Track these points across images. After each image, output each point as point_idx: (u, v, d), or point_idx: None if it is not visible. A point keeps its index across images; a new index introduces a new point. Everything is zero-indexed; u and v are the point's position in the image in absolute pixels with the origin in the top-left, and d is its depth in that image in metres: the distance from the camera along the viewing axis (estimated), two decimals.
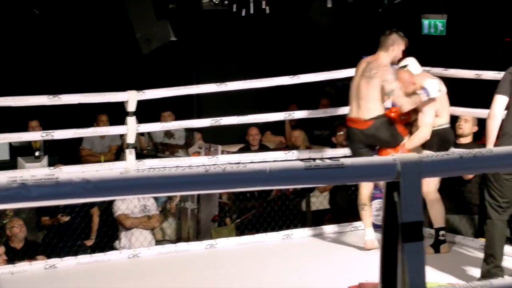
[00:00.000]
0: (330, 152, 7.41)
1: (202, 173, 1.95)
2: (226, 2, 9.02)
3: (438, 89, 6.24)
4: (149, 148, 9.52)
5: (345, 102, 7.53)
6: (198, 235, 7.60)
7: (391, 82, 6.27)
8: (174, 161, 7.17)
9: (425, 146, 6.31)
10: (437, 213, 6.30)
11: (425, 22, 9.50)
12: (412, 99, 6.27)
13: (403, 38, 6.49)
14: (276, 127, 10.13)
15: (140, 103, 6.56)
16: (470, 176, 7.01)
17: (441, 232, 6.31)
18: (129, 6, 9.28)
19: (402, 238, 1.91)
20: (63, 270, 6.03)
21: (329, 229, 7.23)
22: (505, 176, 5.21)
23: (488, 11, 10.46)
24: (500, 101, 5.25)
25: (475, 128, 7.19)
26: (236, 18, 9.39)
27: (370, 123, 6.30)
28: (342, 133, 7.92)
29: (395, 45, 6.43)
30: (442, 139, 6.34)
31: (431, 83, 6.24)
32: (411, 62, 6.56)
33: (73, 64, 10.58)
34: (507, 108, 5.25)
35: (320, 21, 10.14)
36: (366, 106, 6.29)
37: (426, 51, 10.04)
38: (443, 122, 6.41)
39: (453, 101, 6.72)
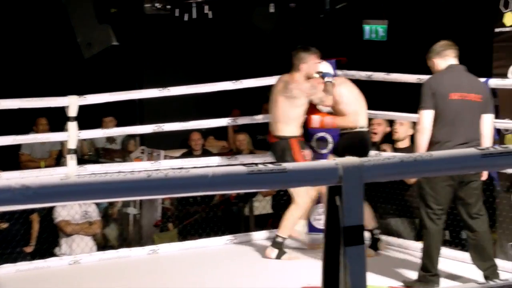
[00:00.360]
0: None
1: (144, 179, 1.94)
2: (168, 6, 8.98)
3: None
4: (91, 153, 9.42)
5: None
6: (141, 241, 7.55)
7: (318, 94, 6.42)
8: (116, 166, 7.13)
9: (344, 150, 6.33)
10: (366, 217, 6.38)
11: (366, 28, 9.57)
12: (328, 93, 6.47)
13: (311, 52, 6.47)
14: (219, 132, 10.12)
15: (82, 108, 6.50)
16: (413, 181, 7.09)
17: (375, 231, 6.53)
18: (70, 10, 9.18)
19: (343, 242, 1.93)
20: (2, 277, 5.94)
21: (272, 233, 7.25)
22: (440, 183, 5.32)
23: (428, 17, 10.62)
24: (426, 115, 5.40)
25: (411, 131, 7.26)
26: (178, 22, 9.36)
27: (274, 140, 6.48)
28: None
29: (304, 63, 6.42)
30: (360, 142, 6.50)
31: (322, 66, 6.56)
32: (323, 66, 6.63)
33: (13, 69, 10.43)
34: (434, 119, 5.39)
35: (263, 26, 10.16)
36: (279, 125, 6.42)
37: (368, 56, 10.14)
38: (361, 124, 6.57)
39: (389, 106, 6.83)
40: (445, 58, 5.55)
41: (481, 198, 5.53)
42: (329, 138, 7.22)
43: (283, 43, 11.34)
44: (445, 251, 5.86)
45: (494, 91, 6.20)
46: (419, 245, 6.57)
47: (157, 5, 8.88)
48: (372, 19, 9.42)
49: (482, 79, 6.09)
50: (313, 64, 6.45)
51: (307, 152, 6.67)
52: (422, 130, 5.40)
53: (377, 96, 6.76)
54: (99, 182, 1.93)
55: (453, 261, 6.10)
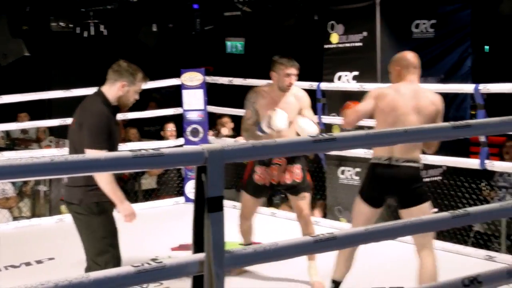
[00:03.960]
0: (157, 144, 7.37)
1: (49, 162, 1.88)
2: (71, 25, 8.78)
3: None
4: (8, 142, 9.08)
5: (168, 105, 7.52)
6: (50, 212, 7.33)
7: None
8: (28, 152, 6.92)
9: None
10: (343, 268, 4.18)
11: (228, 43, 9.64)
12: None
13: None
14: None
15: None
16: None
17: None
18: None
19: (208, 209, 1.94)
20: None
21: (156, 203, 7.23)
22: None
23: (276, 35, 10.78)
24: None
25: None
26: (79, 38, 9.16)
27: None
28: (169, 129, 7.90)
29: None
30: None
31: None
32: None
33: None
34: None
35: (147, 42, 10.05)
36: None
37: (229, 66, 10.19)
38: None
39: None
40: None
41: (96, 244, 3.68)
42: (200, 129, 7.22)
43: (164, 55, 11.27)
44: None
45: (324, 92, 6.36)
46: (269, 210, 6.73)
47: (62, 23, 8.65)
48: (232, 36, 9.48)
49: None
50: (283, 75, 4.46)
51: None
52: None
53: (237, 98, 6.80)
54: (13, 165, 1.85)
55: None
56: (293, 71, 4.45)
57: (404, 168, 3.70)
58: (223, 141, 7.22)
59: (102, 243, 3.64)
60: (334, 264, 3.93)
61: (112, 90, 3.73)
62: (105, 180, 3.53)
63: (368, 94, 3.92)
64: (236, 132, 7.61)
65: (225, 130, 8.04)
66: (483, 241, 5.84)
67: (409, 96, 3.79)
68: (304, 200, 4.57)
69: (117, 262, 3.64)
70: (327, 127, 6.31)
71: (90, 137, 3.52)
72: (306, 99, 4.59)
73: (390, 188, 3.76)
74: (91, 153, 3.41)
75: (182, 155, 2.01)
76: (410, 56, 3.90)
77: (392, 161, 3.71)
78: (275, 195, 7.36)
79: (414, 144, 3.72)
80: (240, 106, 6.95)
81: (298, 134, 4.44)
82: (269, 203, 7.37)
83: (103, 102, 3.68)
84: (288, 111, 4.38)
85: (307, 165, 4.68)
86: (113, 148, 3.57)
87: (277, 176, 4.52)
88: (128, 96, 3.75)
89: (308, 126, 4.36)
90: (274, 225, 6.19)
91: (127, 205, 3.63)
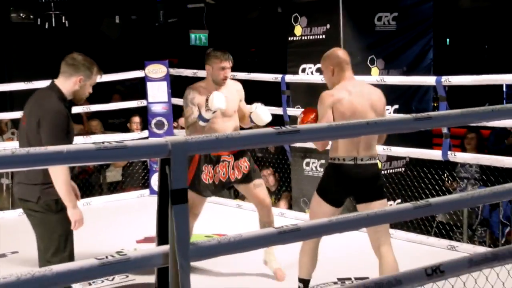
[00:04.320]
0: (121, 137, 7.30)
1: (9, 155, 1.84)
2: (31, 16, 8.65)
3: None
4: None
5: (132, 97, 7.45)
6: (12, 205, 7.23)
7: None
8: None
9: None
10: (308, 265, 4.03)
11: (192, 36, 9.60)
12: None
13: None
14: (75, 118, 9.82)
15: None
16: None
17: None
18: None
19: (171, 201, 1.93)
20: None
21: (121, 196, 7.18)
22: None
23: (240, 28, 10.77)
24: None
25: None
26: (40, 29, 9.03)
27: None
28: (136, 121, 7.85)
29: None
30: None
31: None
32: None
33: None
34: None
35: (110, 33, 9.95)
36: None
37: (194, 58, 10.13)
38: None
39: None
40: None
41: (53, 243, 3.60)
42: (165, 121, 7.19)
43: (128, 47, 11.16)
44: None
45: (288, 84, 6.38)
46: (234, 202, 6.73)
47: (22, 14, 8.52)
48: (196, 29, 9.44)
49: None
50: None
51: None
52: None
53: None
54: None
55: None
56: (227, 64, 4.45)
57: (368, 166, 3.72)
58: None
59: (58, 241, 3.57)
60: (299, 263, 3.89)
61: (68, 84, 3.61)
62: (61, 181, 3.45)
63: (322, 103, 3.72)
64: None
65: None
66: (446, 231, 5.93)
67: (361, 95, 3.75)
68: (261, 187, 4.55)
69: (70, 260, 3.54)
70: (292, 119, 6.34)
71: (51, 136, 3.43)
72: (242, 92, 4.64)
73: (356, 187, 3.73)
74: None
75: (146, 147, 1.99)
76: (341, 53, 3.84)
77: (358, 161, 3.70)
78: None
79: (373, 141, 3.75)
80: None
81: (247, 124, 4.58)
82: (235, 195, 7.37)
83: (59, 98, 3.57)
84: (229, 103, 4.39)
85: (251, 156, 4.63)
86: (70, 143, 3.41)
87: (226, 173, 4.50)
88: (84, 90, 3.66)
89: (264, 115, 4.47)
90: (240, 217, 6.20)
91: (78, 211, 3.54)
